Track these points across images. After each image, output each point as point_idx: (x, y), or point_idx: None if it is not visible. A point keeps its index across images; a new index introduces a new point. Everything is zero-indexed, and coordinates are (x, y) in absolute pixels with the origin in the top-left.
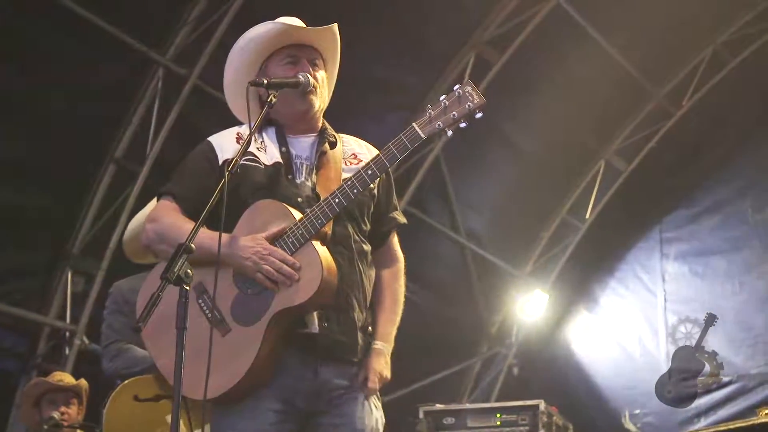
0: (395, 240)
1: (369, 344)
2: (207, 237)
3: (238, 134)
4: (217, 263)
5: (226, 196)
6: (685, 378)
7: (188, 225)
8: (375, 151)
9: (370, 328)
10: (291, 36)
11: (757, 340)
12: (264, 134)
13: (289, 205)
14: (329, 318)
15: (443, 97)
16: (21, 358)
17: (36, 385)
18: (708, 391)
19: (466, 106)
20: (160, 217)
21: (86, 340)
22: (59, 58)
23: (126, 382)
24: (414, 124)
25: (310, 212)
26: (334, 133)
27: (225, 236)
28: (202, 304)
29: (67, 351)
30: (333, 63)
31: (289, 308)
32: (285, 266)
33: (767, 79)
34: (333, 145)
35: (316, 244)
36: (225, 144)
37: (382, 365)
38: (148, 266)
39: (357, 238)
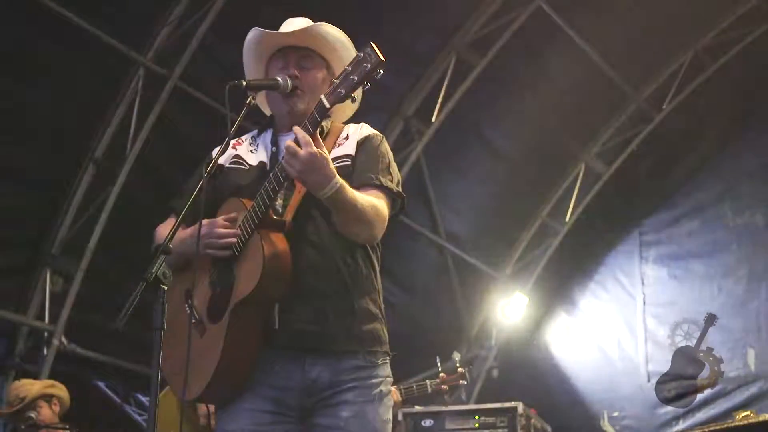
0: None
1: (363, 331)
2: (177, 238)
3: (238, 141)
4: (195, 261)
5: (212, 199)
6: (684, 378)
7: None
8: (368, 129)
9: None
10: (276, 41)
11: (736, 343)
12: (260, 137)
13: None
14: (291, 309)
15: (349, 63)
16: None
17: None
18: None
19: (364, 66)
20: (158, 232)
21: (65, 341)
22: (39, 58)
23: None
24: (322, 96)
25: (254, 202)
26: (332, 121)
27: (187, 232)
28: (188, 308)
29: (45, 351)
30: (335, 57)
31: (242, 300)
32: (221, 230)
33: (747, 83)
34: (321, 133)
35: (263, 233)
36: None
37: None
38: None
39: (328, 221)
